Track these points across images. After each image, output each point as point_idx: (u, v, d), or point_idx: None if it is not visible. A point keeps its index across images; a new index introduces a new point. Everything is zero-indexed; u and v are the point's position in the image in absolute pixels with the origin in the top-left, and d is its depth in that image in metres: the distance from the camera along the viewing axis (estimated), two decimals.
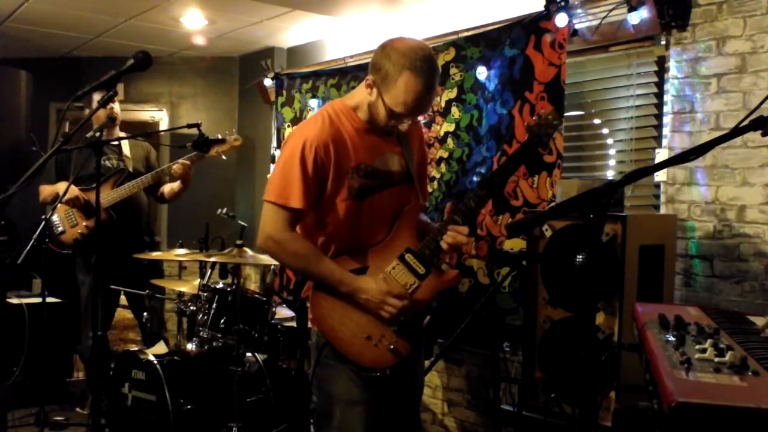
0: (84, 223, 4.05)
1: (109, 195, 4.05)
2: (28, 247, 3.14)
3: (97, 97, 3.87)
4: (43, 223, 3.60)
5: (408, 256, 2.23)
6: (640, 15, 3.23)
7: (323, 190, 2.21)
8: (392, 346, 2.19)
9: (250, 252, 3.64)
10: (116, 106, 4.14)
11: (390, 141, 2.31)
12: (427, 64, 2.11)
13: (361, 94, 2.24)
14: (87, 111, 4.17)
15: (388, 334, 2.20)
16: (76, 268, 4.23)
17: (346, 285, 2.19)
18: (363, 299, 2.19)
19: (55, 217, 4.11)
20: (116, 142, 4.24)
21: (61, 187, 3.94)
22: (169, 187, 4.29)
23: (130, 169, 4.22)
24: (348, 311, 2.21)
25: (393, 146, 2.31)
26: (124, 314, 4.91)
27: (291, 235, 2.21)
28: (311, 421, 3.53)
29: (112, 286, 4.12)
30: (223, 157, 4.21)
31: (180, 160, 4.12)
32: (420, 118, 2.58)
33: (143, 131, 5.90)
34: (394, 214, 2.30)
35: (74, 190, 3.95)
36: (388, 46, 2.17)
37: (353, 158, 2.21)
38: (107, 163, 4.18)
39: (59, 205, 4.00)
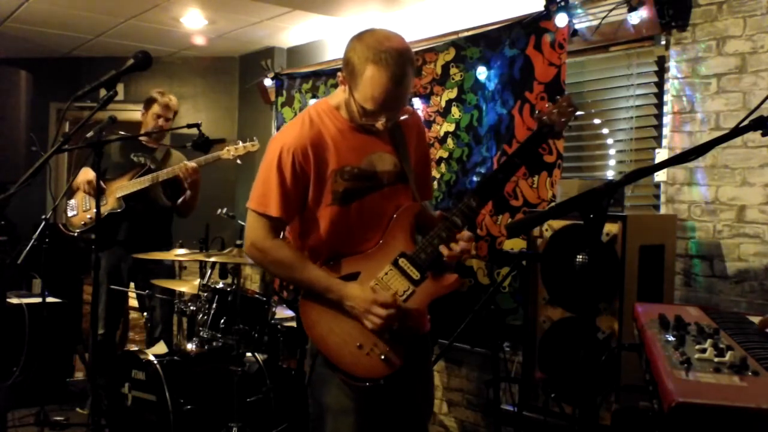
0: (94, 209, 4.13)
1: (124, 185, 4.20)
2: (28, 247, 3.14)
3: (153, 109, 4.30)
4: (43, 223, 3.61)
5: (402, 261, 2.13)
6: (640, 15, 3.23)
7: (306, 196, 2.13)
8: (383, 356, 2.09)
9: None
10: (165, 122, 4.34)
11: (380, 139, 2.18)
12: (393, 57, 1.98)
13: (341, 92, 2.14)
14: (142, 116, 4.40)
15: (381, 343, 2.10)
16: (99, 268, 4.28)
17: (333, 292, 2.10)
18: (348, 306, 2.09)
19: (73, 201, 4.30)
20: (154, 146, 4.38)
21: (83, 171, 4.15)
22: (182, 196, 4.36)
23: (153, 167, 4.29)
24: (338, 319, 2.12)
25: (383, 144, 2.18)
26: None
27: (273, 242, 2.14)
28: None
29: (115, 287, 4.16)
30: (238, 161, 4.26)
31: (185, 162, 4.16)
32: (421, 114, 2.50)
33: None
34: (387, 217, 2.18)
35: (90, 174, 4.08)
36: (355, 39, 2.06)
37: (336, 161, 2.11)
38: (135, 159, 4.32)
39: (80, 190, 4.25)
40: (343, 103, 2.13)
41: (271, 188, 2.10)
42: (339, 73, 2.10)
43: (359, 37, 2.05)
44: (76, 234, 4.28)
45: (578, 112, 2.13)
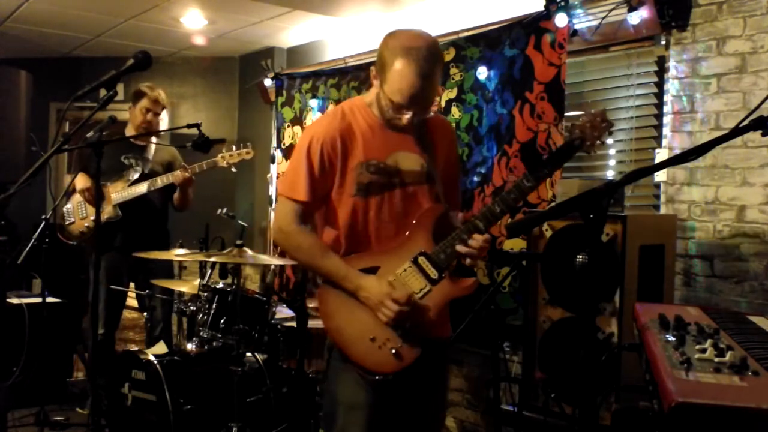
0: (92, 217, 4.09)
1: (119, 192, 4.13)
2: (28, 247, 3.14)
3: (142, 102, 4.24)
4: (43, 223, 3.60)
5: (421, 259, 2.17)
6: (640, 15, 3.23)
7: (332, 185, 2.21)
8: (395, 351, 2.12)
9: (250, 252, 3.64)
10: (153, 117, 4.28)
11: (408, 139, 2.25)
12: (422, 53, 2.07)
13: (374, 90, 2.24)
14: (131, 107, 4.31)
15: (394, 337, 2.13)
16: (89, 266, 4.24)
17: (350, 281, 2.16)
18: (363, 297, 2.14)
19: (69, 207, 4.24)
20: (143, 144, 4.32)
21: (79, 178, 4.06)
22: (176, 193, 4.31)
23: (146, 170, 4.23)
24: (354, 310, 2.16)
25: (411, 145, 2.25)
26: (124, 314, 4.92)
27: (298, 228, 2.22)
28: (311, 421, 3.54)
29: (115, 287, 4.14)
30: (233, 170, 4.21)
31: (180, 171, 4.11)
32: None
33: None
34: (408, 216, 2.22)
35: (87, 181, 4.03)
36: (388, 35, 2.17)
37: (363, 153, 2.19)
38: (126, 161, 4.25)
39: (75, 196, 4.17)
40: (375, 100, 2.21)
41: (299, 175, 2.19)
42: (372, 67, 2.19)
43: (392, 34, 2.17)
44: (75, 243, 4.22)
45: (612, 128, 2.11)
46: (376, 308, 2.12)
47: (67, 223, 4.24)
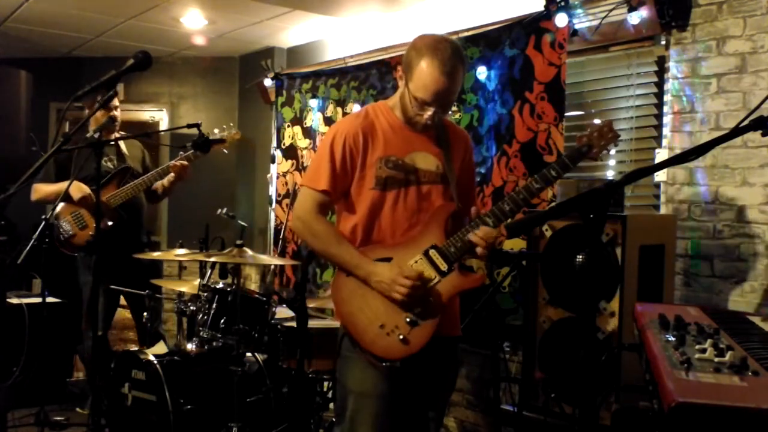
0: (94, 224, 4.02)
1: (116, 195, 4.06)
2: (28, 247, 3.14)
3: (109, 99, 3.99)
4: (43, 223, 3.59)
5: (432, 252, 2.26)
6: (640, 15, 3.23)
7: (352, 178, 2.32)
8: (402, 336, 2.20)
9: (250, 252, 3.64)
10: (117, 111, 4.19)
11: (427, 140, 2.36)
12: (447, 53, 2.19)
13: (398, 93, 2.35)
14: (87, 111, 4.12)
15: (402, 325, 2.21)
16: (79, 268, 4.22)
17: (362, 268, 2.25)
18: (375, 282, 2.22)
19: (61, 220, 4.08)
20: (113, 143, 4.24)
21: (73, 187, 3.91)
22: (160, 183, 4.25)
23: (132, 168, 4.22)
24: (366, 298, 2.25)
25: (430, 146, 2.37)
26: (123, 314, 4.91)
27: (316, 216, 2.32)
28: (311, 421, 3.55)
29: (112, 287, 4.12)
30: (224, 151, 4.23)
31: (179, 160, 4.10)
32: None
33: (143, 131, 5.90)
34: (422, 211, 2.33)
35: (85, 188, 3.97)
36: (415, 38, 2.30)
37: (383, 149, 2.30)
38: (108, 164, 4.19)
39: (64, 206, 4.04)
40: (398, 102, 2.34)
41: (322, 166, 2.32)
42: (399, 66, 2.32)
43: (418, 37, 2.30)
44: (82, 255, 4.12)
45: (618, 139, 2.26)
46: (390, 288, 2.20)
47: (67, 236, 4.09)
